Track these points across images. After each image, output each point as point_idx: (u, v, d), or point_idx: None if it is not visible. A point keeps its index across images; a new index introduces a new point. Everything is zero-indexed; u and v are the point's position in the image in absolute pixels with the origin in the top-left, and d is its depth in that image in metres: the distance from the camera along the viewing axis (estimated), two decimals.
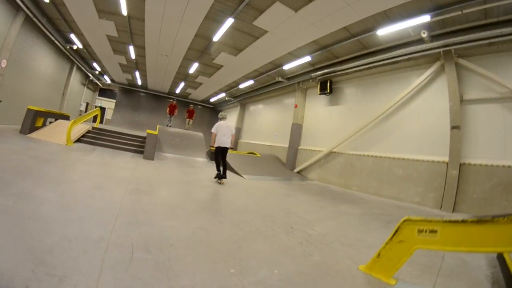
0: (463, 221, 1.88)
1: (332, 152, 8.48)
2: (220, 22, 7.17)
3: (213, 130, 5.79)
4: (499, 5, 4.43)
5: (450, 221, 1.92)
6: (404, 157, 6.28)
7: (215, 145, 5.72)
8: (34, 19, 8.69)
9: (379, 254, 2.18)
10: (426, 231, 2.00)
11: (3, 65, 7.89)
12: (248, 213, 3.80)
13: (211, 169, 6.95)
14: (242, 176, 7.51)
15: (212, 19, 7.16)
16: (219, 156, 5.72)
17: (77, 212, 2.64)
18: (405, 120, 6.65)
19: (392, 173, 6.45)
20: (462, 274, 2.43)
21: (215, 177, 5.84)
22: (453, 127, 5.34)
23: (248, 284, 1.84)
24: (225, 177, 5.72)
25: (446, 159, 5.40)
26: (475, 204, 4.86)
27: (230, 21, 6.89)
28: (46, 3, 8.03)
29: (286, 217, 3.87)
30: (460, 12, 4.59)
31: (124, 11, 7.39)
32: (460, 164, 5.19)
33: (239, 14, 6.56)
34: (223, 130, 5.72)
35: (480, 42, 5.10)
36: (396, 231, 2.09)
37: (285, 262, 2.27)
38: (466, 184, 5.07)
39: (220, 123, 5.84)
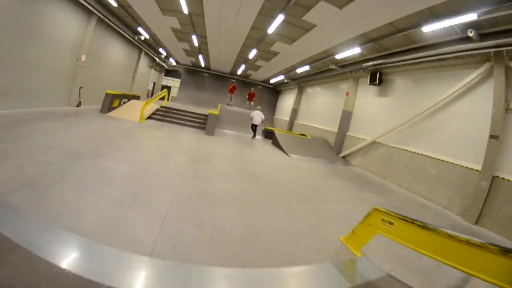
0: (412, 222, 2.21)
1: (375, 142, 8.68)
2: (272, 17, 7.77)
3: (252, 114, 11.25)
4: None
5: (404, 219, 2.31)
6: (439, 157, 6.20)
7: (252, 122, 11.22)
8: (106, 19, 10.23)
9: (354, 230, 2.93)
10: (387, 221, 2.46)
11: (83, 59, 9.67)
12: (280, 185, 4.84)
13: (264, 146, 9.82)
14: (288, 155, 8.41)
15: (265, 14, 7.81)
16: (254, 127, 11.20)
17: (157, 171, 4.12)
18: (446, 120, 6.41)
19: (426, 171, 6.47)
20: (425, 272, 2.64)
21: (251, 137, 11.18)
22: (491, 136, 5.00)
23: (256, 224, 3.00)
24: (255, 136, 11.36)
25: (480, 167, 5.14)
26: (499, 222, 4.61)
27: (281, 17, 7.46)
28: (115, 7, 9.42)
29: (310, 192, 4.73)
30: (510, 11, 4.20)
31: (185, 9, 8.48)
32: (493, 177, 4.88)
33: (289, 10, 7.05)
34: (257, 115, 11.10)
35: None
36: (367, 216, 2.77)
37: (288, 219, 3.34)
38: (495, 198, 4.78)
39: (255, 112, 11.25)
